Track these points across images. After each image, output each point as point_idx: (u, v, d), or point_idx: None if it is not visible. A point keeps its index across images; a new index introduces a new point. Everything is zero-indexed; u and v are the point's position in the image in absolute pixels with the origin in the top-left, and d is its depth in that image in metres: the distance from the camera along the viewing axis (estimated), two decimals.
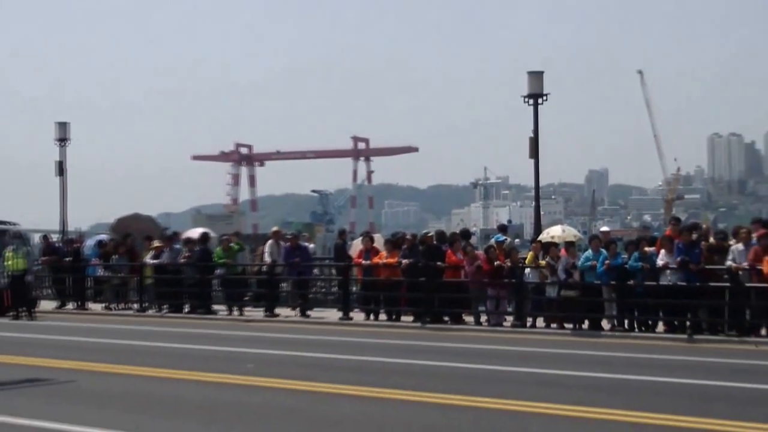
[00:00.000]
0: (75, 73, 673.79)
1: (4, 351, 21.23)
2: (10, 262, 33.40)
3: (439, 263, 30.24)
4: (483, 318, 29.63)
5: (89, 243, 42.92)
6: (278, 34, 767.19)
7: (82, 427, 12.09)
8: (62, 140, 50.48)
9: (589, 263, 27.68)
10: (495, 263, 29.30)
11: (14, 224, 38.71)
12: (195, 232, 40.56)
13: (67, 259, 39.38)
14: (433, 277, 29.98)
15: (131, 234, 43.52)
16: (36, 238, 41.33)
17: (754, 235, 25.74)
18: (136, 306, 37.00)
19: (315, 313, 33.29)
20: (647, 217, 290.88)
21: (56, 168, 50.79)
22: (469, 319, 29.81)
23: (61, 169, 50.64)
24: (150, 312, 35.74)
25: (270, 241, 34.92)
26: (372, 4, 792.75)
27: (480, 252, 30.98)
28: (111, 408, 13.64)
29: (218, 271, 35.47)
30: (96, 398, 14.55)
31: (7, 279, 33.78)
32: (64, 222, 51.91)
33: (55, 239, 44.93)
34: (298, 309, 33.63)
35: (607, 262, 27.29)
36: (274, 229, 38.30)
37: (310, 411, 13.69)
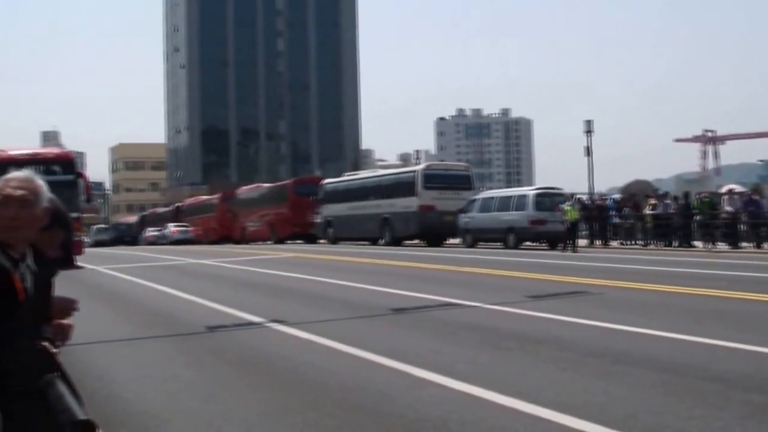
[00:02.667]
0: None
1: (555, 273, 21.33)
2: (568, 214, 33.82)
3: None
4: None
5: (608, 201, 43.39)
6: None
7: (603, 322, 11.97)
8: (588, 132, 51.41)
9: None
10: None
11: (560, 189, 39.02)
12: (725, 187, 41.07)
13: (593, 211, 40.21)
14: None
15: (635, 194, 44.14)
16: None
17: None
18: (641, 242, 37.18)
19: None
20: None
21: (584, 151, 51.77)
22: None
23: (588, 151, 51.49)
24: (651, 246, 35.66)
25: (725, 197, 35.82)
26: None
27: None
28: (627, 311, 13.35)
29: (696, 218, 35.05)
30: (617, 305, 14.27)
31: (566, 225, 34.16)
32: (591, 186, 52.43)
33: (584, 199, 45.16)
34: (753, 243, 33.12)
35: None
36: (729, 187, 38.88)
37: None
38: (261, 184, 64.78)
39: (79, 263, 28.58)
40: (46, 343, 3.40)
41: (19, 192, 3.62)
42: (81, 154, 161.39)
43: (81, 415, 3.03)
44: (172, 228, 69.50)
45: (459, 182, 41.94)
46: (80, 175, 31.63)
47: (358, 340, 11.08)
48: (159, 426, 7.41)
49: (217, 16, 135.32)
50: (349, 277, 21.16)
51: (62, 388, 3.21)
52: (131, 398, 8.51)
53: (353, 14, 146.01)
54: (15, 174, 3.75)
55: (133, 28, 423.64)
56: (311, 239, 49.13)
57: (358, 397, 8.16)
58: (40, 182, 3.74)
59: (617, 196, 47.97)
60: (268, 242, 51.52)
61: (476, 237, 38.81)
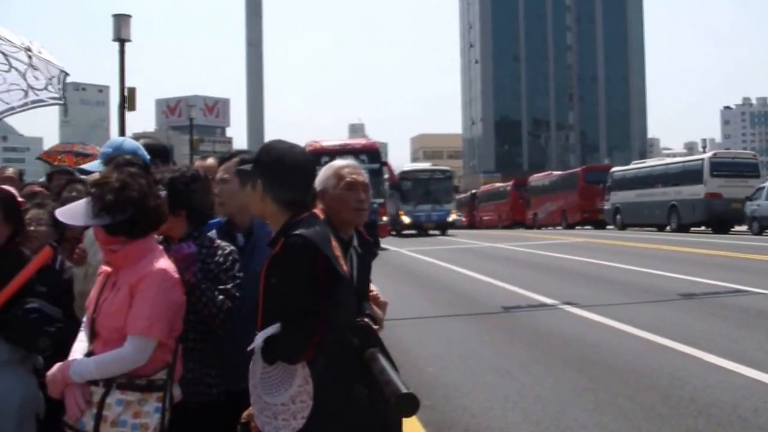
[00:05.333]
0: None
1: None
2: None
3: None
4: None
5: None
6: None
7: None
8: None
9: None
10: None
11: None
12: None
13: None
14: None
15: None
16: None
17: None
18: None
19: None
20: None
21: None
22: None
23: None
24: None
25: None
26: None
27: None
28: None
29: None
30: None
31: None
32: None
33: None
34: None
35: None
36: None
37: None
38: (552, 172, 64.32)
39: (382, 245, 29.64)
40: (367, 320, 3.46)
41: (362, 178, 3.69)
42: (384, 145, 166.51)
43: (405, 389, 2.99)
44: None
45: (746, 170, 39.95)
46: (385, 164, 32.75)
47: (647, 324, 10.85)
48: (459, 398, 7.59)
49: (508, 13, 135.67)
50: (637, 261, 20.62)
51: (384, 362, 3.25)
52: (434, 372, 8.77)
53: (640, 8, 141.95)
54: (343, 162, 3.78)
55: (432, 27, 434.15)
56: (599, 225, 48.31)
57: (649, 379, 7.99)
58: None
59: None
60: (558, 227, 51.21)
61: (763, 224, 36.80)
